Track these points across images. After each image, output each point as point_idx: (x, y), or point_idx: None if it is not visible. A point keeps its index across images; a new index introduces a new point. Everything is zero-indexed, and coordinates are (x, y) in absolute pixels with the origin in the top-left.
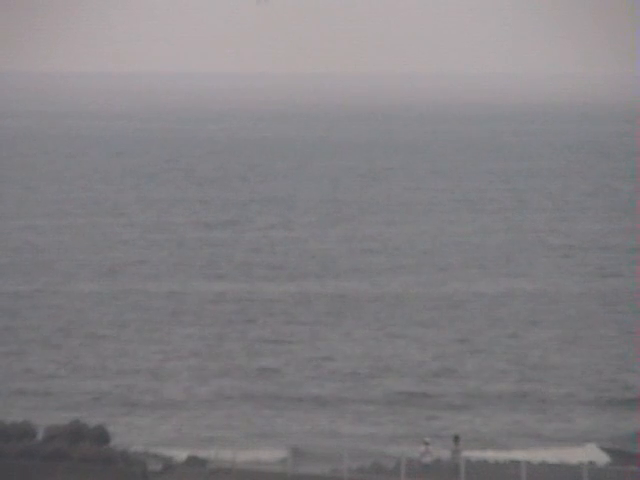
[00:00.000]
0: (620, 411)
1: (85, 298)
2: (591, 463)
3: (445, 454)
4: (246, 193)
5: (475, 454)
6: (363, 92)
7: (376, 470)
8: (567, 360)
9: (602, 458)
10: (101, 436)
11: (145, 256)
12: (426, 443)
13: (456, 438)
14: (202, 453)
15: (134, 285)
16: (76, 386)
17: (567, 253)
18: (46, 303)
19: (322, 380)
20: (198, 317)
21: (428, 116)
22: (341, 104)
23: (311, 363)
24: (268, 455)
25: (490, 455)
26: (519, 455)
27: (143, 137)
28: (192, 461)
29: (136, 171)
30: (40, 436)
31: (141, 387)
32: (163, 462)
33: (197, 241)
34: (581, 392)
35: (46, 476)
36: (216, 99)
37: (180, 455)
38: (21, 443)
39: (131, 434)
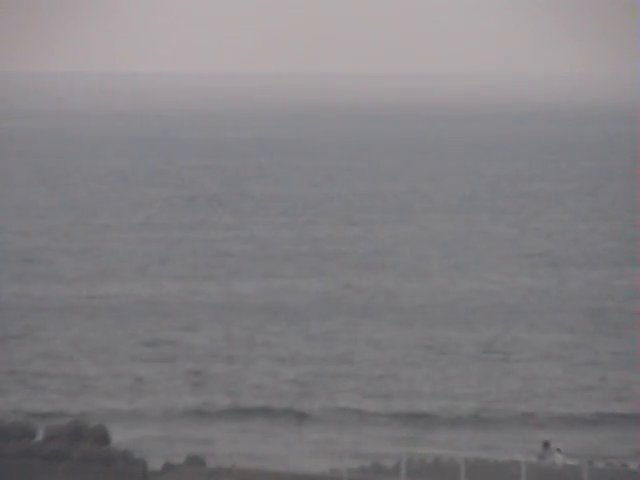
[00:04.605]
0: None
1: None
2: (591, 463)
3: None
4: (247, 193)
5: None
6: (363, 92)
7: (376, 470)
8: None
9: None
10: (101, 436)
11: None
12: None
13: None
14: (202, 453)
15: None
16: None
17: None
18: None
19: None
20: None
21: (427, 116)
22: (340, 104)
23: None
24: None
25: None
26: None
27: (140, 137)
28: (192, 461)
29: (125, 172)
30: (40, 436)
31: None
32: (163, 462)
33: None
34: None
35: (46, 476)
36: (215, 99)
37: (180, 455)
38: (21, 443)
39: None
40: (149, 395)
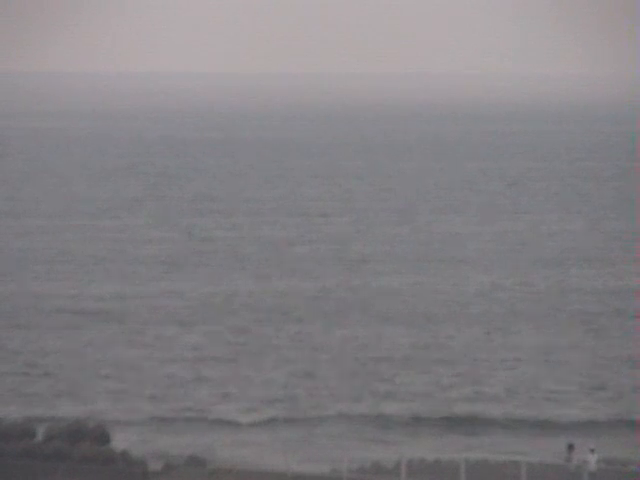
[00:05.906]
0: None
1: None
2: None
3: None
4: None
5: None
6: (362, 92)
7: (376, 470)
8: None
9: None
10: (101, 436)
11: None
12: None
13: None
14: (202, 453)
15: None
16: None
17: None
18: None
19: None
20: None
21: (426, 116)
22: (340, 104)
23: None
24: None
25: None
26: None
27: (138, 137)
28: (192, 461)
29: (122, 171)
30: (40, 436)
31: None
32: (163, 462)
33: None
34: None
35: (46, 476)
36: (215, 99)
37: (180, 455)
38: (21, 443)
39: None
40: None
